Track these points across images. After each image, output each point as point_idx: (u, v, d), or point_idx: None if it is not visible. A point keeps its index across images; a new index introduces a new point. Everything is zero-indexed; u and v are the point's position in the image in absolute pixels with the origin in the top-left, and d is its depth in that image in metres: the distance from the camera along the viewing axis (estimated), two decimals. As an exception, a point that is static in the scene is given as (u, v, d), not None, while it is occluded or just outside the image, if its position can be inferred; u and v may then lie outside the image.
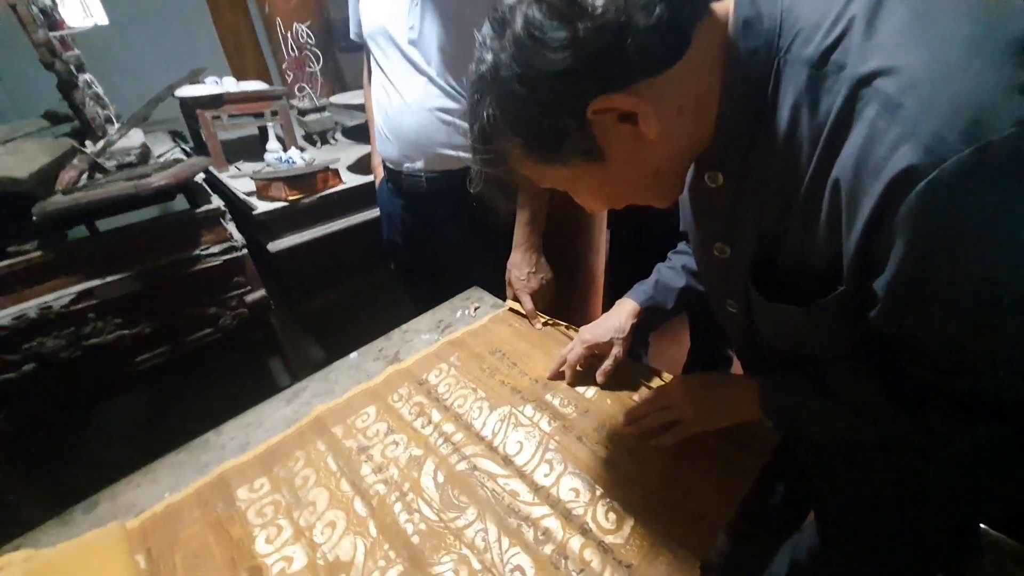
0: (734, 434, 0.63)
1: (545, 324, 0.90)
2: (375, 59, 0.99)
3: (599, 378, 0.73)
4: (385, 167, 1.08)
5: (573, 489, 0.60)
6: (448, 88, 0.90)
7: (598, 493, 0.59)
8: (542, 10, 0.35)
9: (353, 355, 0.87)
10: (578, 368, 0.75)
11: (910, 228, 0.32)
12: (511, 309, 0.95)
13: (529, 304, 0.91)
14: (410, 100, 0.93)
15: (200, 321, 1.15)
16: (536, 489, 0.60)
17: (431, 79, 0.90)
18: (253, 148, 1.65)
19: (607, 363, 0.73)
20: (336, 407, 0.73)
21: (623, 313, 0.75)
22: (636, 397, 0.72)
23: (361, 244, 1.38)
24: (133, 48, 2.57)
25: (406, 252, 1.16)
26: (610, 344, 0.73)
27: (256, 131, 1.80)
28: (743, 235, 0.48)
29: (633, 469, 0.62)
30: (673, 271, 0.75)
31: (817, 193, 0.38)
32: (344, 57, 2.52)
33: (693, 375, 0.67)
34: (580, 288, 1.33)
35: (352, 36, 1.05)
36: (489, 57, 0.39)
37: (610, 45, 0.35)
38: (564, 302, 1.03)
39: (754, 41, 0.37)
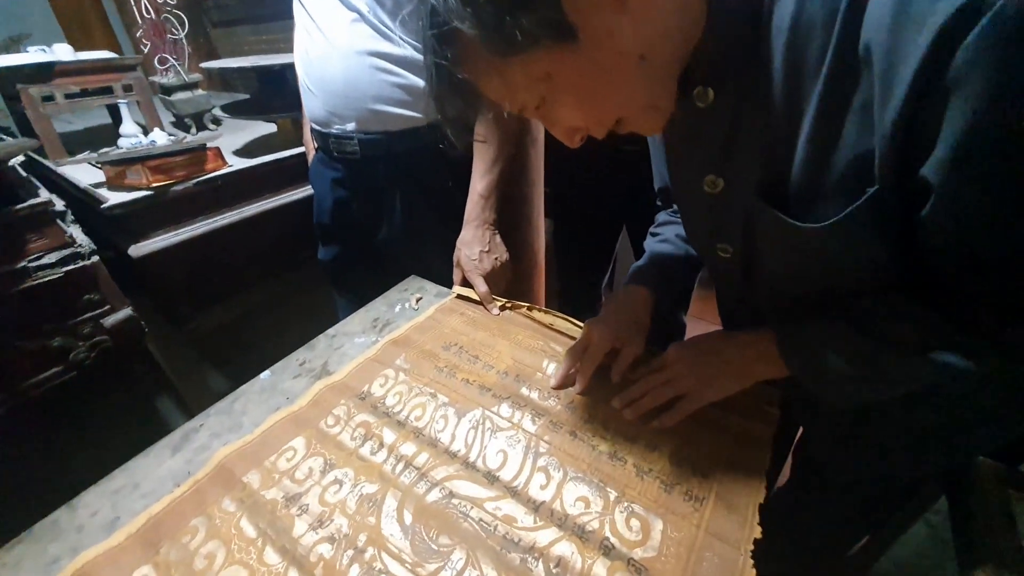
0: (737, 403, 0.55)
1: (503, 308, 0.77)
2: None
3: (615, 377, 0.60)
4: (313, 132, 0.89)
5: (581, 499, 0.47)
6: (381, 27, 0.73)
7: (612, 497, 0.47)
8: None
9: (265, 374, 0.67)
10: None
11: (972, 79, 0.26)
12: (460, 296, 0.80)
13: (483, 287, 0.78)
14: (336, 42, 0.75)
15: (43, 358, 0.86)
16: (536, 508, 0.47)
17: (361, 15, 0.73)
18: (106, 138, 1.31)
19: (623, 360, 0.61)
20: (247, 447, 0.54)
21: (636, 304, 0.64)
22: (617, 372, 0.61)
23: (269, 239, 1.14)
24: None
25: (337, 237, 0.97)
26: (630, 338, 0.61)
27: (109, 119, 1.45)
28: (743, 160, 0.41)
29: (642, 460, 0.51)
30: (667, 243, 0.67)
31: (839, 74, 0.32)
32: (218, 33, 2.17)
33: (690, 340, 0.58)
34: (524, 273, 1.23)
35: None
36: None
37: None
38: (508, 288, 0.91)
39: None
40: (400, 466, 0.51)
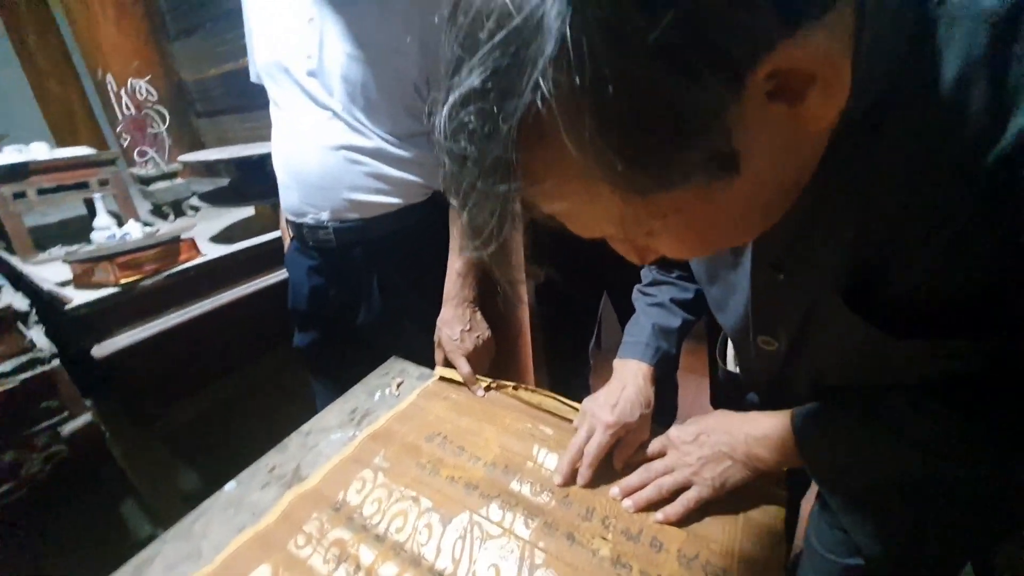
0: (746, 487, 0.51)
1: (488, 388, 0.74)
2: (273, 99, 0.82)
3: (617, 465, 0.56)
4: (288, 222, 0.89)
5: (584, 623, 0.42)
6: (354, 123, 0.75)
7: (618, 617, 0.42)
8: None
9: (229, 485, 0.61)
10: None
11: None
12: (442, 378, 0.77)
13: (466, 368, 0.74)
14: (311, 138, 0.77)
15: (-10, 475, 0.79)
16: (533, 639, 0.41)
17: (335, 114, 0.75)
18: (80, 230, 1.30)
19: (627, 448, 0.56)
20: (205, 580, 0.48)
21: (638, 380, 0.60)
22: (620, 459, 0.57)
23: (244, 327, 1.10)
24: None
25: (315, 323, 0.94)
26: (637, 424, 0.57)
27: (85, 210, 1.45)
28: (814, 259, 0.35)
29: (648, 564, 0.46)
30: (663, 309, 0.64)
31: (1000, 195, 0.25)
32: (203, 123, 2.24)
33: (693, 422, 0.54)
34: (510, 341, 1.21)
35: (252, 78, 0.88)
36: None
37: None
38: (495, 358, 0.88)
39: None
40: (379, 594, 0.46)
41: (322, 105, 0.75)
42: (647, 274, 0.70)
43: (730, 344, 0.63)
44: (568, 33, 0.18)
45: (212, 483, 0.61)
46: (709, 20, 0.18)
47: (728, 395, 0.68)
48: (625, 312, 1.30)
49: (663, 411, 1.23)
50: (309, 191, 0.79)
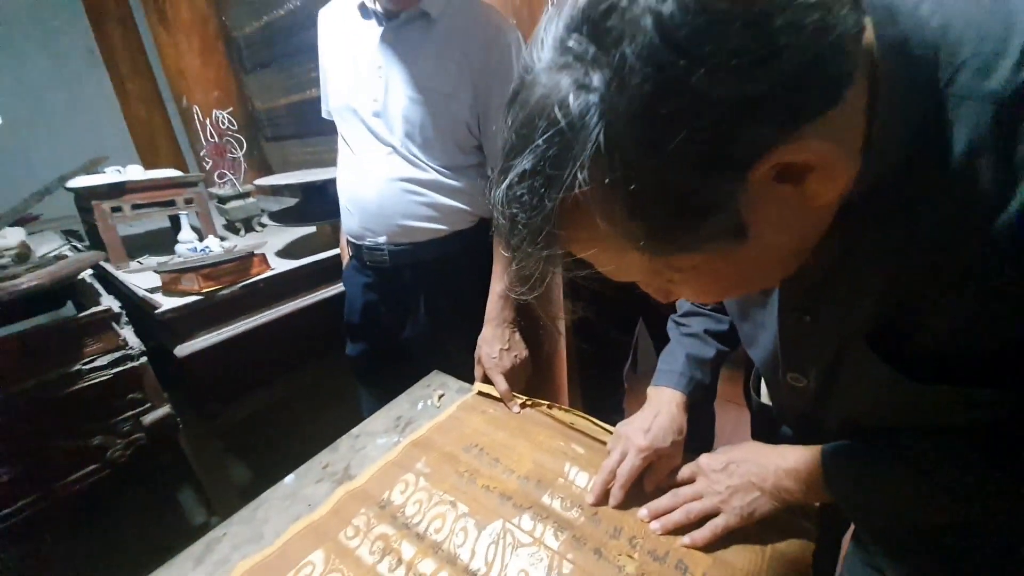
0: (775, 517, 0.52)
1: (523, 406, 0.78)
2: (341, 135, 0.94)
3: (648, 487, 0.59)
4: (349, 243, 0.99)
5: (607, 632, 0.45)
6: (412, 157, 0.84)
7: (640, 632, 0.44)
8: (701, 2, 0.21)
9: (288, 479, 0.68)
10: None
11: None
12: (481, 393, 0.81)
13: (503, 385, 0.79)
14: (372, 170, 0.86)
15: (81, 456, 0.89)
16: (559, 642, 0.44)
17: (395, 149, 0.85)
18: (163, 241, 1.46)
19: (659, 472, 0.59)
20: (266, 561, 0.54)
21: (671, 408, 0.62)
22: (651, 483, 0.60)
23: (301, 334, 1.19)
24: (31, 148, 2.37)
25: (365, 335, 1.03)
26: (669, 450, 0.59)
27: (169, 223, 1.62)
28: (841, 305, 0.38)
29: (673, 585, 0.48)
30: (697, 339, 0.66)
31: (1011, 258, 0.28)
32: (270, 147, 2.45)
33: (724, 451, 0.56)
34: (545, 363, 1.24)
35: (323, 115, 0.99)
36: (590, 96, 0.23)
37: (812, 61, 0.22)
38: (530, 377, 0.93)
39: (907, 70, 0.27)
40: (418, 587, 0.50)
41: (384, 142, 0.84)
42: (683, 304, 0.72)
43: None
44: (603, 141, 0.23)
45: (262, 477, 0.67)
46: (715, 132, 0.23)
47: (763, 427, 0.68)
48: (660, 337, 1.31)
49: (698, 440, 1.22)
50: (368, 217, 0.88)
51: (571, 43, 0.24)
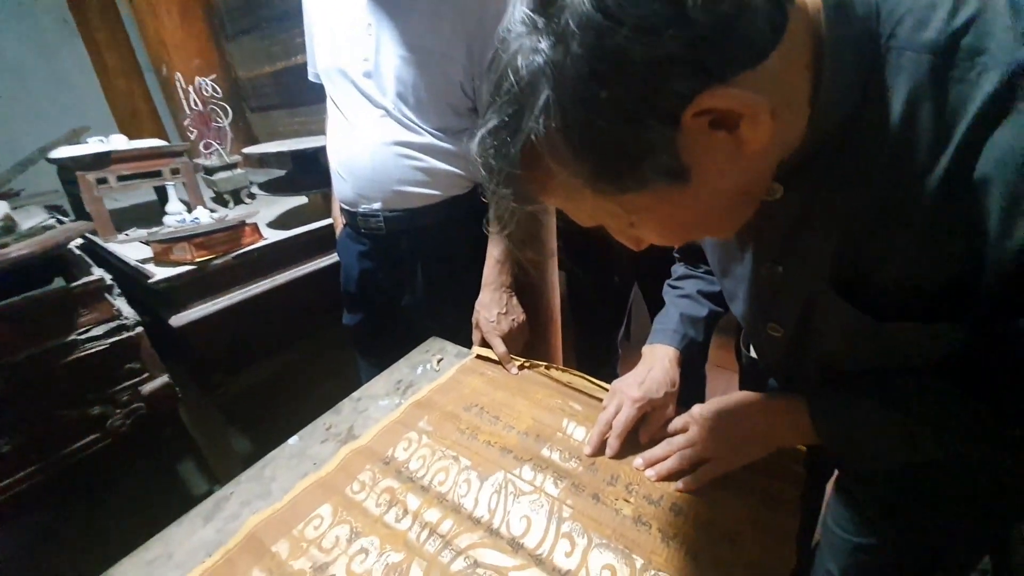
0: (762, 462, 0.55)
1: (521, 367, 0.79)
2: (330, 98, 0.90)
3: (643, 438, 0.61)
4: (343, 211, 0.97)
5: (607, 567, 0.47)
6: (406, 120, 0.82)
7: (638, 565, 0.47)
8: None
9: (293, 439, 0.69)
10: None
11: None
12: (479, 356, 0.83)
13: (501, 347, 0.80)
14: (365, 135, 0.84)
15: (81, 426, 0.90)
16: (561, 578, 0.46)
17: (387, 112, 0.82)
18: (151, 215, 1.43)
19: (653, 423, 0.61)
20: (276, 515, 0.56)
21: (664, 363, 0.64)
22: (646, 434, 0.62)
23: (298, 305, 1.19)
24: (10, 123, 2.28)
25: (363, 304, 1.03)
26: (663, 400, 0.62)
27: (155, 196, 1.58)
28: (806, 254, 0.41)
29: (667, 525, 0.51)
30: (690, 300, 0.68)
31: (947, 200, 0.31)
32: (255, 118, 2.38)
33: (715, 401, 0.58)
34: (540, 329, 1.26)
35: (310, 77, 0.96)
36: (538, 58, 0.28)
37: (721, 23, 0.26)
38: (526, 343, 0.94)
39: (850, 27, 0.31)
40: (425, 534, 0.52)
41: (376, 104, 0.82)
42: (677, 269, 0.74)
43: None
44: (551, 96, 0.28)
45: (262, 447, 0.68)
46: (642, 85, 0.27)
47: (752, 381, 0.71)
48: (654, 304, 1.34)
49: (690, 403, 1.26)
50: (362, 183, 0.86)
51: (529, 15, 0.28)
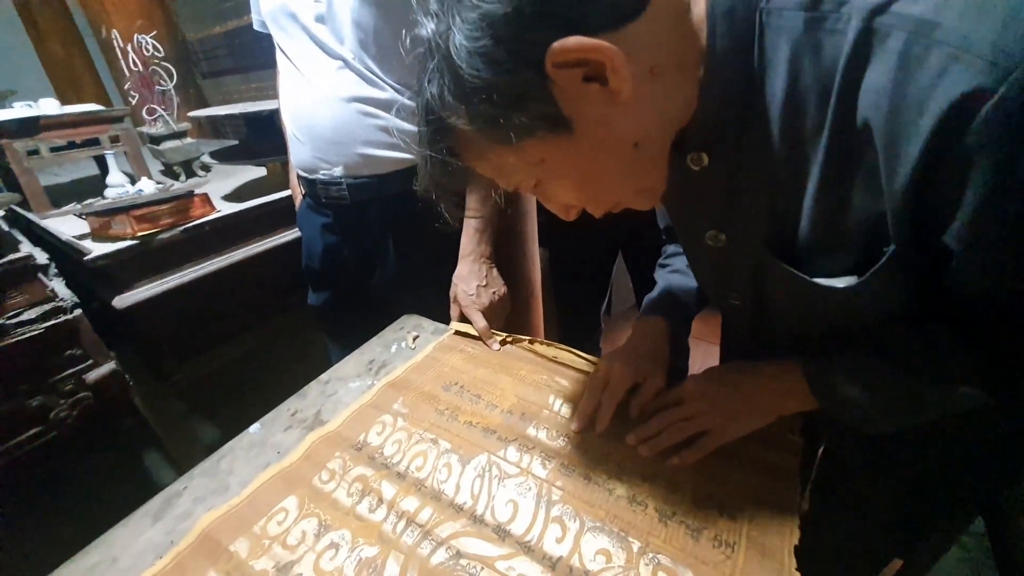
0: (758, 432, 0.52)
1: (503, 343, 0.74)
2: (279, 48, 0.80)
3: (633, 412, 0.57)
4: (301, 179, 0.87)
5: (601, 552, 0.43)
6: (367, 73, 0.73)
7: (635, 548, 0.43)
8: None
9: (254, 427, 0.63)
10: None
11: (985, 158, 0.27)
12: (458, 332, 0.78)
13: (482, 322, 0.75)
14: (322, 90, 0.74)
15: (20, 418, 0.81)
16: (553, 565, 0.42)
17: (346, 62, 0.73)
18: (94, 190, 1.30)
19: (644, 394, 0.58)
20: (233, 512, 0.50)
21: (654, 335, 0.62)
22: (636, 407, 0.58)
23: (259, 284, 1.11)
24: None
25: (328, 282, 0.94)
26: (653, 372, 0.59)
27: (98, 170, 1.45)
28: (745, 216, 0.42)
29: (663, 503, 0.48)
30: (679, 274, 0.66)
31: (840, 148, 0.33)
32: (208, 84, 2.21)
33: (710, 370, 0.55)
34: (521, 303, 1.21)
35: (256, 26, 0.85)
36: (428, 21, 0.32)
37: None
38: (507, 318, 0.89)
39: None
40: (402, 524, 0.47)
41: (332, 54, 0.72)
42: (667, 249, 0.72)
43: None
44: (441, 59, 0.32)
45: (230, 435, 0.62)
46: (506, 36, 0.30)
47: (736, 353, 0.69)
48: (638, 275, 1.30)
49: (673, 375, 1.24)
50: (321, 146, 0.77)
51: None
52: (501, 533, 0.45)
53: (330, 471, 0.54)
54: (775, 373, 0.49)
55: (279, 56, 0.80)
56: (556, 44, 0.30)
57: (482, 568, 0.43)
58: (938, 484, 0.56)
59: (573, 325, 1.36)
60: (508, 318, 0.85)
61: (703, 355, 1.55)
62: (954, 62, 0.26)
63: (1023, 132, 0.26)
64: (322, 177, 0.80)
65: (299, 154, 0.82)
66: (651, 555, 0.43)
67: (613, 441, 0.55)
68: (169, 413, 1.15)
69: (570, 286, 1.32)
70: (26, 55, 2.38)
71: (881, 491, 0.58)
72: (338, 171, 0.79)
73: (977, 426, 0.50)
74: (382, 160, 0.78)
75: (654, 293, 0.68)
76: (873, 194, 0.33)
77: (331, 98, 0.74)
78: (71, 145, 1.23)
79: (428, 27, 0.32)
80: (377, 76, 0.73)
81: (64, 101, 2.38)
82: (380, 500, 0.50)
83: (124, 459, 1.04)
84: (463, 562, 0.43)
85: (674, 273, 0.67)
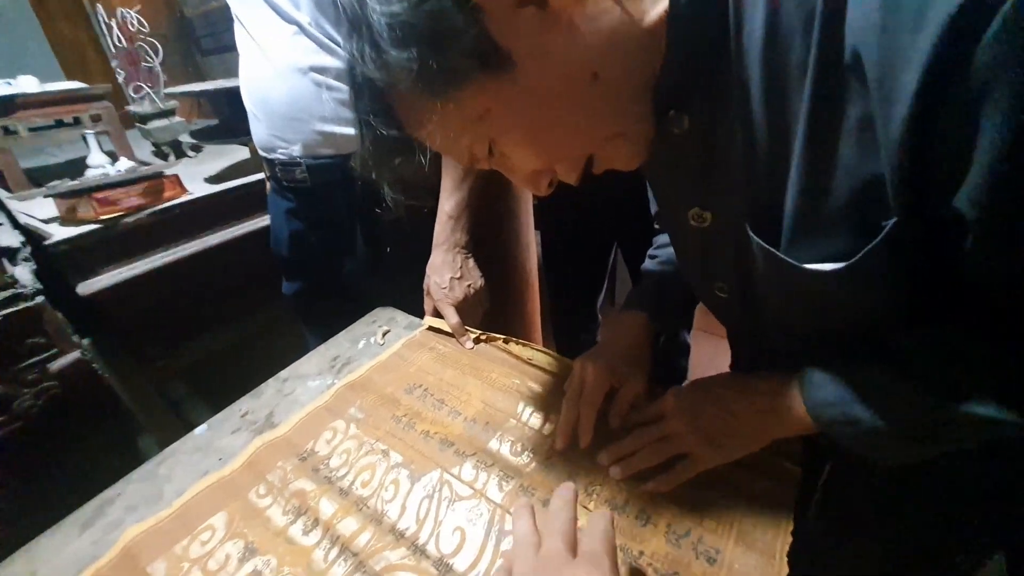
0: (753, 456, 0.45)
1: (477, 340, 0.68)
2: (234, 15, 0.73)
3: (613, 422, 0.51)
4: (262, 159, 0.82)
5: (551, 597, 0.38)
6: (324, 40, 0.66)
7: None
8: None
9: (200, 428, 0.59)
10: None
11: (1006, 84, 0.20)
12: (431, 328, 0.72)
13: (454, 318, 0.69)
14: (276, 59, 0.68)
15: (-16, 408, 0.79)
16: (494, 611, 0.37)
17: (301, 27, 0.66)
18: (81, 170, 1.27)
19: (622, 401, 0.52)
20: (160, 525, 0.46)
21: (633, 333, 0.56)
22: (615, 417, 0.52)
23: (239, 271, 1.06)
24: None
25: (299, 270, 0.89)
26: (630, 373, 0.53)
27: (88, 150, 1.42)
28: (726, 189, 0.37)
29: (631, 541, 0.41)
30: (665, 264, 0.59)
31: (826, 86, 0.26)
32: (211, 61, 2.16)
33: (697, 382, 0.48)
34: (515, 292, 1.14)
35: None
36: None
37: None
38: (499, 309, 0.83)
39: None
40: (335, 552, 0.42)
41: (287, 19, 0.66)
42: (658, 239, 0.65)
43: None
44: (367, 15, 0.28)
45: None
46: None
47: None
48: (637, 265, 1.22)
49: (672, 374, 1.16)
50: (276, 122, 0.71)
51: None
52: (442, 568, 0.40)
53: (269, 483, 0.49)
54: (766, 390, 0.42)
55: (235, 25, 0.74)
56: None
57: (415, 609, 0.37)
58: (954, 515, 0.49)
59: (569, 316, 1.29)
60: (502, 311, 0.79)
61: (712, 350, 1.46)
62: None
63: None
64: (280, 157, 0.74)
65: (256, 131, 0.76)
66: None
67: (582, 459, 0.49)
68: (155, 401, 1.13)
69: (563, 275, 1.25)
70: (34, 35, 2.37)
71: (887, 526, 0.51)
72: (296, 150, 0.72)
73: (1003, 451, 0.42)
74: (343, 139, 0.71)
75: (636, 286, 0.62)
76: (868, 151, 0.26)
77: (285, 68, 0.67)
78: (58, 124, 1.19)
79: None
80: (336, 43, 0.66)
81: (71, 77, 2.36)
82: (316, 521, 0.45)
83: (113, 447, 1.02)
84: (395, 600, 0.38)
85: (662, 265, 0.61)
